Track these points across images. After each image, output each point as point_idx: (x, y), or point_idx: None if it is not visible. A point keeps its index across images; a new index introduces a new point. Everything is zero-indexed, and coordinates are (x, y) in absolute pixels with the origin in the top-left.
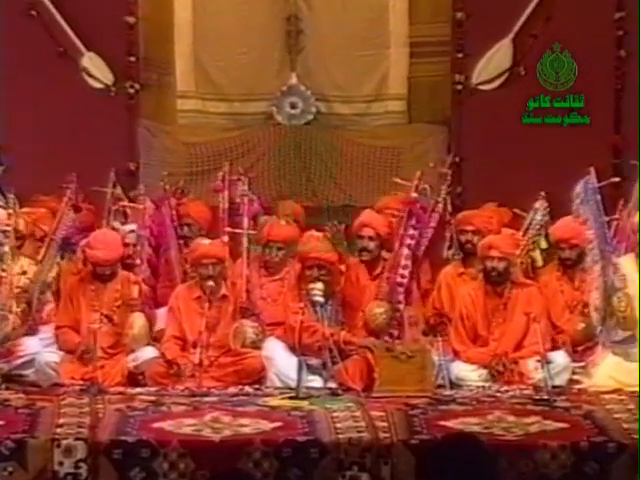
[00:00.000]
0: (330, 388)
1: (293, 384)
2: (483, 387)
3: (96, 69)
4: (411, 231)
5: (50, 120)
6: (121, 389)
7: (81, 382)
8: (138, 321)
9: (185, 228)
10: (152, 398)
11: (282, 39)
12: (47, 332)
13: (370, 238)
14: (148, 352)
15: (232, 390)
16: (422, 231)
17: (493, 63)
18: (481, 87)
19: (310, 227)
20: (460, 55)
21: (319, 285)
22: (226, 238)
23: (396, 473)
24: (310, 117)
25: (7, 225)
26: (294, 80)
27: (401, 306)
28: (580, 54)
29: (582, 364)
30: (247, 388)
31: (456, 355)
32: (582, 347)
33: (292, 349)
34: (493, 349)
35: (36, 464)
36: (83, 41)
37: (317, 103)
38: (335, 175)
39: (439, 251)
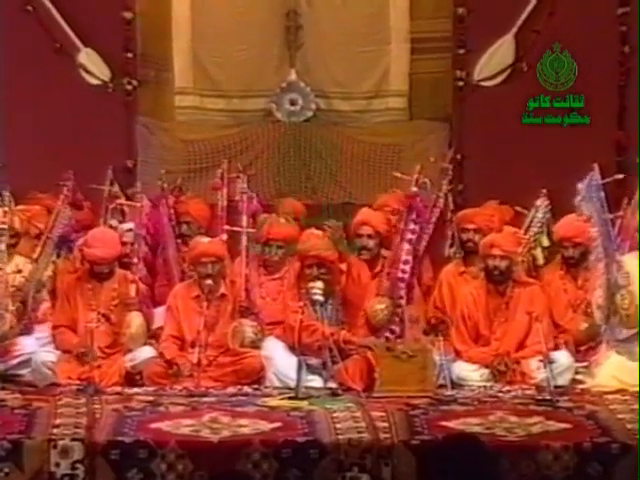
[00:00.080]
0: (330, 388)
1: (292, 384)
2: (485, 387)
3: (93, 65)
4: (412, 226)
5: (46, 117)
6: (118, 389)
7: (78, 382)
8: (135, 320)
9: (184, 226)
10: (150, 398)
11: (281, 35)
12: (43, 331)
13: (369, 236)
14: (146, 352)
15: (231, 390)
16: (423, 226)
17: (495, 59)
18: (483, 83)
19: (309, 226)
20: (462, 51)
21: (319, 284)
22: (225, 236)
23: (397, 474)
24: (310, 114)
25: (2, 223)
26: (293, 76)
27: (402, 301)
28: (581, 52)
29: (585, 364)
30: (246, 388)
31: (457, 355)
32: (585, 347)
33: (291, 349)
34: (495, 349)
35: (32, 465)
36: (80, 37)
37: (317, 100)
38: (335, 173)
39: (440, 249)
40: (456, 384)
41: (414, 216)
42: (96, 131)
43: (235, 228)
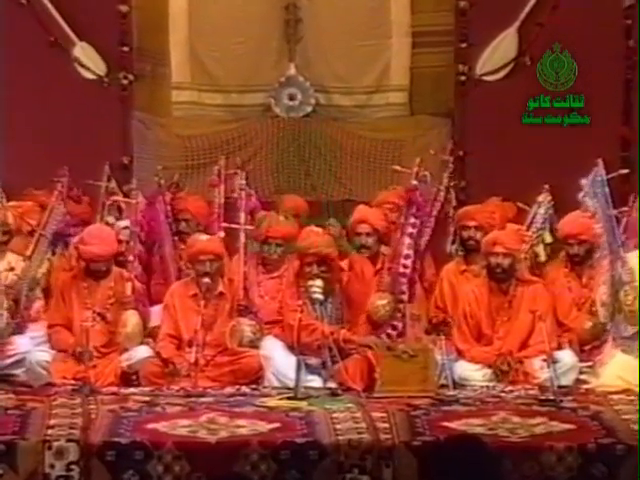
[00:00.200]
0: (330, 388)
1: (291, 384)
2: (487, 387)
3: (88, 59)
4: (412, 220)
5: (41, 112)
6: (114, 389)
7: (73, 382)
8: (131, 319)
9: (182, 223)
10: (146, 398)
11: (280, 28)
12: (37, 330)
13: (367, 234)
14: (142, 351)
15: (229, 390)
16: (424, 220)
17: (498, 53)
18: (485, 78)
19: (308, 225)
20: (464, 45)
21: (318, 282)
22: (222, 234)
23: (398, 476)
24: (309, 109)
25: None
26: (293, 71)
27: (404, 297)
28: (584, 47)
29: (589, 363)
30: (244, 388)
31: (459, 354)
32: (589, 346)
33: (290, 348)
34: (497, 348)
35: (27, 467)
36: (75, 30)
37: (316, 94)
38: (335, 169)
39: (442, 246)
40: (458, 384)
41: (414, 210)
42: (91, 126)
43: (233, 225)
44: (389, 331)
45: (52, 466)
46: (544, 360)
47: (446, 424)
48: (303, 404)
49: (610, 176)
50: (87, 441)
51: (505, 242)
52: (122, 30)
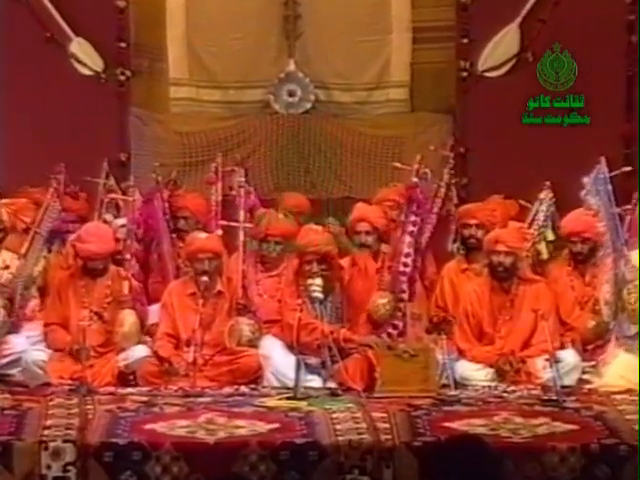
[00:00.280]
0: (329, 388)
1: (291, 384)
2: (489, 387)
3: (85, 55)
4: (412, 217)
5: (37, 108)
6: (111, 389)
7: (70, 382)
8: (128, 318)
9: (181, 221)
10: (144, 398)
11: (279, 24)
12: (32, 329)
13: (367, 233)
14: (139, 351)
15: (227, 390)
16: (424, 217)
17: (500, 49)
18: (487, 74)
19: (307, 223)
20: (465, 40)
21: (318, 281)
22: (220, 232)
23: (398, 476)
24: (309, 105)
25: None
26: (292, 67)
27: (404, 295)
28: (586, 43)
29: (592, 363)
30: (243, 388)
31: (461, 354)
32: (592, 345)
33: (290, 347)
34: (499, 347)
35: (23, 467)
36: (71, 26)
37: (316, 91)
38: (335, 166)
39: (443, 244)
40: (459, 384)
41: (415, 208)
42: (88, 123)
43: (232, 223)
44: (390, 330)
45: (49, 467)
46: (546, 360)
47: (447, 424)
48: (303, 404)
49: (613, 174)
50: (84, 442)
51: (507, 240)
52: (119, 25)
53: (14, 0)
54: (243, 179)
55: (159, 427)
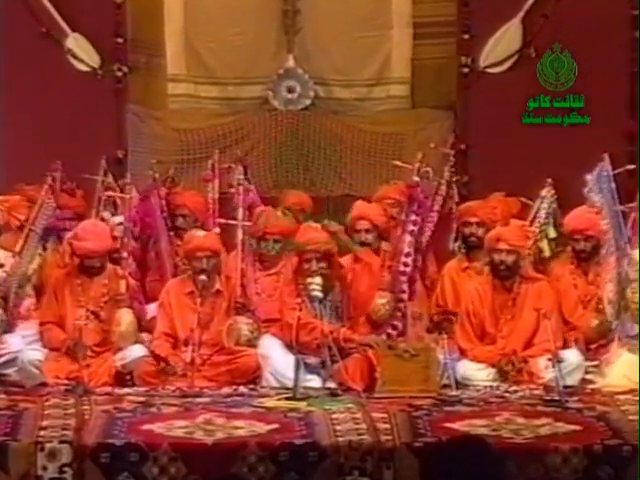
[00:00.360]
0: (329, 388)
1: (290, 384)
2: (491, 387)
3: (81, 51)
4: (413, 217)
5: (32, 105)
6: (108, 389)
7: (66, 382)
8: (125, 318)
9: (180, 219)
10: (141, 399)
11: (278, 19)
12: (27, 328)
13: (367, 231)
14: (136, 350)
15: (226, 390)
16: (425, 216)
17: (502, 45)
18: (489, 70)
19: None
20: (466, 36)
21: (317, 279)
22: (217, 230)
23: (399, 478)
24: (308, 102)
25: None
26: (291, 63)
27: (404, 296)
28: (588, 39)
29: (596, 363)
30: (242, 388)
31: (462, 353)
32: (596, 345)
33: (289, 347)
34: (501, 347)
35: (18, 469)
36: (67, 21)
37: (315, 87)
38: (334, 163)
39: (444, 243)
40: (461, 384)
41: (415, 207)
42: (85, 120)
43: (230, 221)
44: (389, 331)
45: (44, 468)
46: (549, 359)
47: (448, 425)
48: (302, 404)
49: (616, 171)
50: (80, 442)
51: (509, 238)
52: (116, 21)
53: None
54: (241, 176)
55: (156, 428)
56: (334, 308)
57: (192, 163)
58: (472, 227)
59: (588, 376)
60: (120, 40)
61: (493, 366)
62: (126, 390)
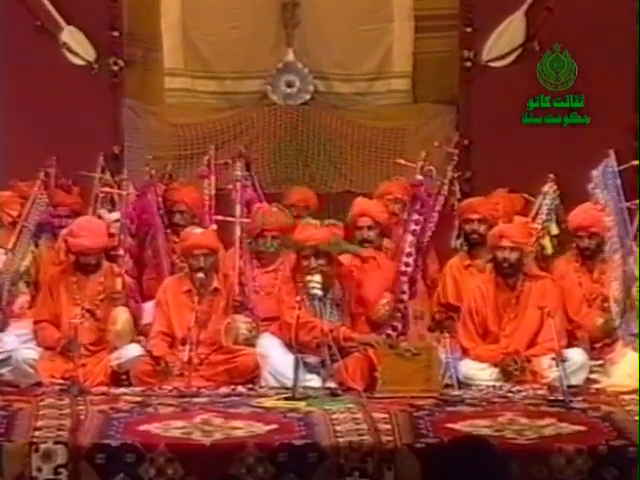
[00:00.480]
0: (329, 388)
1: (289, 384)
2: (494, 387)
3: (77, 44)
4: (415, 216)
5: (27, 99)
6: (104, 389)
7: (61, 381)
8: (122, 316)
9: (177, 215)
10: (137, 399)
11: (277, 12)
12: (22, 327)
13: (369, 228)
14: (133, 350)
15: (224, 390)
16: (427, 216)
17: (505, 38)
18: (492, 64)
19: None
20: (469, 29)
21: (317, 277)
22: (214, 227)
23: (400, 479)
24: (308, 96)
25: None
26: (290, 56)
27: (405, 296)
28: (590, 37)
29: (600, 362)
30: (240, 388)
31: (464, 353)
32: (600, 344)
33: (288, 346)
34: (504, 346)
35: (13, 470)
36: (62, 14)
37: (315, 81)
38: (335, 159)
39: (446, 240)
40: (463, 384)
41: (418, 206)
42: (80, 115)
43: (227, 218)
44: (389, 332)
45: (39, 469)
46: (553, 359)
47: (450, 425)
48: (301, 404)
49: (622, 167)
50: (76, 443)
51: (512, 235)
52: (112, 14)
53: None
54: (239, 173)
55: (153, 428)
56: (334, 306)
57: (189, 159)
58: (474, 224)
59: (593, 376)
60: (116, 33)
61: (496, 365)
62: (122, 390)
